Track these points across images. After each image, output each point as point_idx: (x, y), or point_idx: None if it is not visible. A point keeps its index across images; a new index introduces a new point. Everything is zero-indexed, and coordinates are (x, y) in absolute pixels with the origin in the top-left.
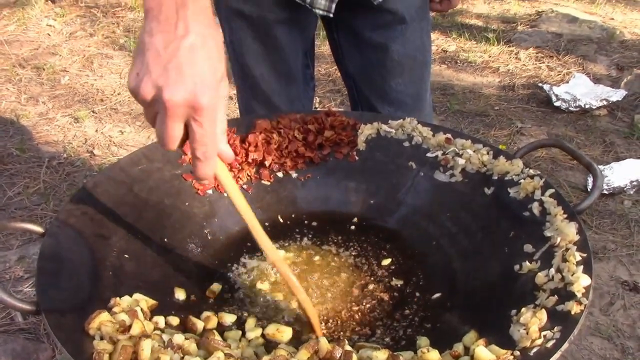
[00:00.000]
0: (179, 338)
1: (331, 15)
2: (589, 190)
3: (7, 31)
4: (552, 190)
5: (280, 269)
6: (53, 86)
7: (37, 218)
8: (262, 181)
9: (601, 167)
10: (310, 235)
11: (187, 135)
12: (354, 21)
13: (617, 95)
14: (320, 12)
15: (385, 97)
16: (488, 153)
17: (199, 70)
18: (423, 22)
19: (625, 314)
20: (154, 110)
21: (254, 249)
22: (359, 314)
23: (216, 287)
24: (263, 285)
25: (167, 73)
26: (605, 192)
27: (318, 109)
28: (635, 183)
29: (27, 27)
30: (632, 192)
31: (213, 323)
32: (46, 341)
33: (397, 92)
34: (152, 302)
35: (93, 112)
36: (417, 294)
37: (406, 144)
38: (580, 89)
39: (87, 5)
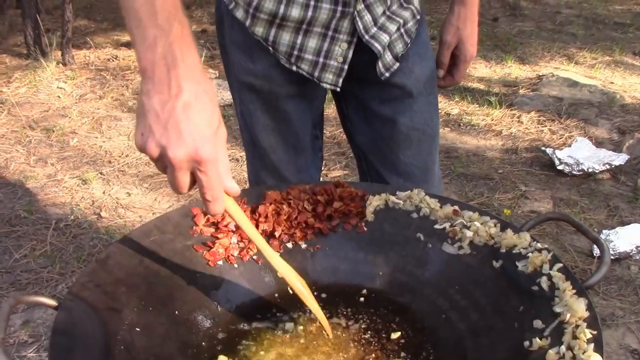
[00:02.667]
0: None
1: (338, 89)
2: (594, 255)
3: (19, 93)
4: (560, 265)
5: (291, 284)
6: (62, 148)
7: (42, 281)
8: None
9: (606, 231)
10: (320, 307)
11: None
12: (362, 94)
13: (619, 159)
14: (328, 86)
15: (393, 169)
16: (495, 225)
17: (196, 126)
18: (430, 96)
19: None
20: (163, 164)
21: (265, 320)
22: None
23: None
24: (273, 357)
25: (167, 133)
26: (612, 257)
27: (324, 176)
28: None
29: (38, 89)
30: (638, 257)
31: None
32: None
33: (406, 164)
34: None
35: (101, 173)
36: None
37: (414, 215)
38: (583, 153)
39: (97, 68)
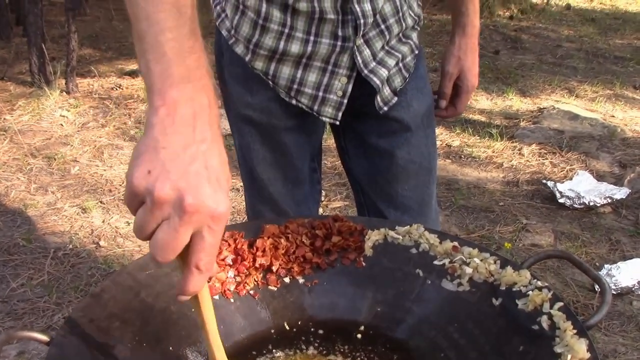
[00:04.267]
0: None
1: (338, 123)
2: (596, 289)
3: (22, 121)
4: (560, 304)
5: None
6: (63, 176)
7: (39, 311)
8: (269, 286)
9: (608, 266)
10: (317, 344)
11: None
12: (360, 128)
13: (620, 193)
14: (327, 119)
15: (391, 202)
16: (495, 262)
17: (218, 179)
18: (428, 129)
19: None
20: (162, 213)
21: (260, 356)
22: None
23: None
24: None
25: (188, 178)
26: (614, 292)
27: (324, 207)
28: None
29: (41, 117)
30: None
31: None
32: None
33: (403, 197)
34: None
35: (101, 202)
36: None
37: (413, 250)
38: (584, 186)
39: (100, 97)
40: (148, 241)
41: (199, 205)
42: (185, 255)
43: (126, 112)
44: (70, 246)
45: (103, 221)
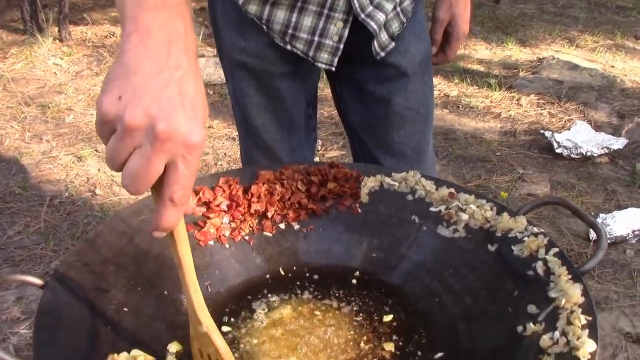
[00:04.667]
0: None
1: (333, 69)
2: (591, 238)
3: (15, 69)
4: (556, 250)
5: (214, 337)
6: (57, 124)
7: (36, 258)
8: (264, 232)
9: (603, 215)
10: (312, 289)
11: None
12: (356, 74)
13: (618, 143)
14: (323, 65)
15: (387, 149)
16: (491, 209)
17: (193, 106)
18: (425, 75)
19: None
20: (133, 142)
21: (255, 301)
22: None
23: (175, 346)
24: (263, 339)
25: (160, 103)
26: (608, 241)
27: (319, 154)
28: (637, 232)
29: (34, 65)
30: (634, 242)
31: None
32: None
33: (399, 144)
34: (150, 358)
35: (96, 151)
36: (419, 353)
37: (409, 197)
38: (582, 136)
39: (94, 45)
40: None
41: (172, 133)
42: (159, 188)
43: None
44: (66, 194)
45: (99, 170)
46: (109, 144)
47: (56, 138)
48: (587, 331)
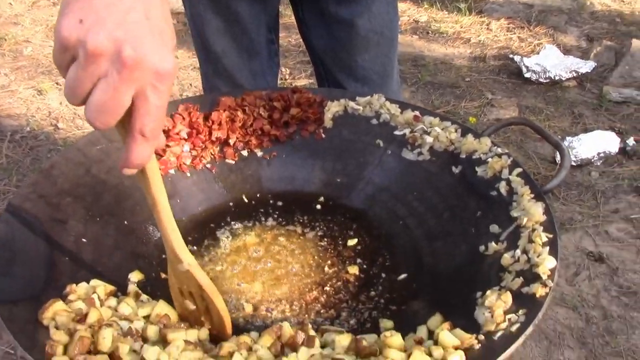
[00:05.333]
0: (138, 324)
1: None
2: (557, 161)
3: None
4: (519, 170)
5: (196, 273)
6: (15, 57)
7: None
8: (226, 160)
9: (569, 138)
10: (276, 216)
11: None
12: None
13: (586, 66)
14: None
15: (351, 73)
16: (456, 131)
17: (162, 31)
18: None
19: (590, 284)
20: (98, 71)
21: (219, 228)
22: (324, 296)
23: (137, 276)
24: (227, 265)
25: (126, 27)
26: (573, 163)
27: (286, 84)
28: (602, 154)
29: None
30: (599, 164)
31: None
32: None
33: (364, 68)
34: (110, 287)
35: (57, 84)
36: (383, 275)
37: (374, 121)
38: (551, 61)
39: None
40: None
41: (140, 59)
42: (128, 122)
43: None
44: (28, 129)
45: (60, 103)
46: (69, 74)
47: (14, 71)
48: (547, 248)
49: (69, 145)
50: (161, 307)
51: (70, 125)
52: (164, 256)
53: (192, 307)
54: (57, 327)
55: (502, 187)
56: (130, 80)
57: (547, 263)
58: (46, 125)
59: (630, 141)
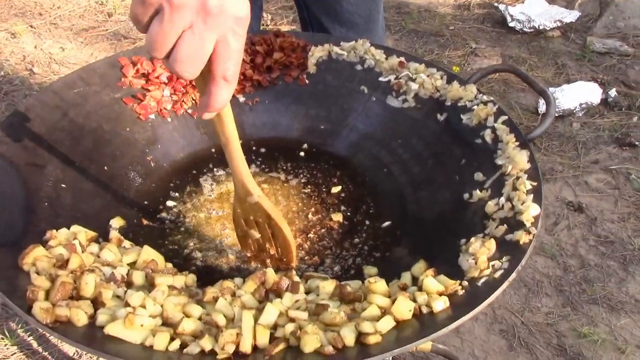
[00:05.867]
0: (121, 270)
1: None
2: (539, 112)
3: None
4: (505, 118)
5: (265, 204)
6: None
7: None
8: None
9: (552, 89)
10: (259, 162)
11: None
12: None
13: (571, 16)
14: None
15: (336, 17)
16: (442, 78)
17: None
18: None
19: (568, 234)
20: (183, 22)
21: (201, 175)
22: (308, 243)
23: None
24: (209, 216)
25: None
26: (555, 114)
27: (267, 29)
28: (584, 105)
29: None
30: (580, 115)
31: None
32: None
33: (349, 12)
34: (91, 233)
35: (31, 27)
36: (367, 222)
37: (358, 67)
38: (535, 10)
39: None
40: (163, 59)
41: (223, 6)
42: (207, 70)
43: None
44: (2, 73)
45: (35, 47)
46: (152, 28)
47: None
48: (531, 196)
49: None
50: (148, 253)
51: (46, 70)
52: (146, 202)
53: (257, 235)
54: (37, 273)
55: (487, 134)
56: (215, 27)
57: (531, 210)
58: (21, 70)
59: (612, 92)
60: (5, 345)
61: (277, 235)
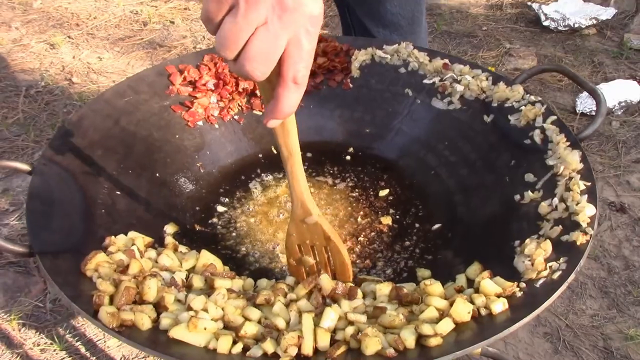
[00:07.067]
0: (180, 275)
1: None
2: (577, 112)
3: None
4: (554, 117)
5: (324, 225)
6: (25, 10)
7: (18, 149)
8: (254, 111)
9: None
10: (305, 167)
11: None
12: None
13: (606, 13)
14: None
15: (379, 20)
16: (487, 79)
17: None
18: None
19: (611, 235)
20: (257, 19)
21: (250, 180)
22: (359, 246)
23: (172, 227)
24: (259, 217)
25: None
26: (594, 113)
27: None
28: (623, 104)
29: None
30: (620, 113)
31: (209, 259)
32: (37, 274)
33: (392, 14)
34: (148, 239)
35: (69, 37)
36: (417, 225)
37: (402, 70)
38: (570, 8)
39: None
40: (232, 60)
41: (299, 3)
42: (276, 72)
43: None
44: (42, 83)
45: (73, 57)
46: (224, 25)
47: (25, 25)
48: (586, 196)
49: (85, 99)
50: (206, 257)
51: (85, 80)
52: (197, 208)
53: (311, 261)
54: (100, 278)
55: (537, 135)
56: (289, 24)
57: (586, 210)
58: (60, 80)
59: None
60: (55, 350)
61: (335, 258)
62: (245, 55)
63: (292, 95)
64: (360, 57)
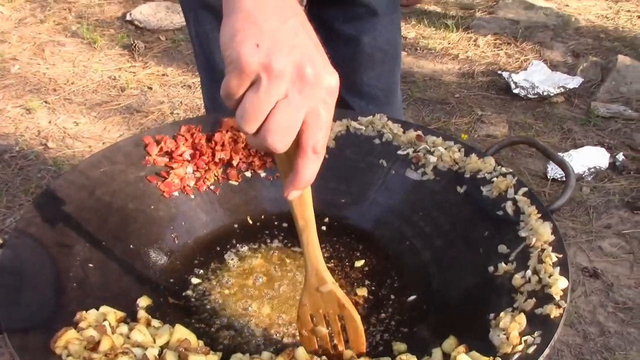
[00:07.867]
0: (153, 351)
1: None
2: (549, 177)
3: None
4: (525, 189)
5: (338, 292)
6: (2, 75)
7: None
8: (230, 181)
9: (560, 154)
10: (281, 237)
11: None
12: (325, 14)
13: (573, 82)
14: None
15: (356, 91)
16: (459, 150)
17: (319, 47)
18: (394, 15)
19: (586, 301)
20: (278, 92)
21: (225, 251)
22: None
23: (145, 301)
24: (235, 289)
25: (299, 48)
26: (564, 179)
27: None
28: (592, 170)
29: None
30: (589, 179)
31: (183, 334)
32: (4, 346)
33: (369, 85)
34: (120, 314)
35: (46, 102)
36: (392, 297)
37: (377, 141)
38: (538, 76)
39: None
40: (248, 134)
41: (318, 77)
42: (293, 145)
43: (65, 7)
44: (17, 148)
45: (49, 122)
46: (246, 100)
47: (2, 90)
48: (558, 268)
49: (59, 164)
50: (181, 332)
51: (60, 145)
52: (171, 280)
53: (324, 331)
54: (70, 356)
55: (509, 206)
56: (309, 97)
57: (559, 283)
58: (35, 145)
59: (620, 156)
60: None
61: (349, 326)
62: (267, 128)
63: (312, 165)
64: (335, 128)
